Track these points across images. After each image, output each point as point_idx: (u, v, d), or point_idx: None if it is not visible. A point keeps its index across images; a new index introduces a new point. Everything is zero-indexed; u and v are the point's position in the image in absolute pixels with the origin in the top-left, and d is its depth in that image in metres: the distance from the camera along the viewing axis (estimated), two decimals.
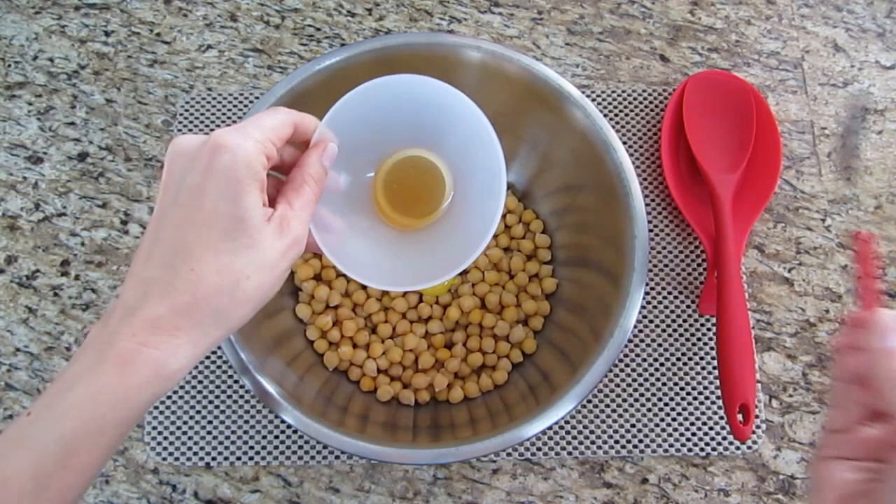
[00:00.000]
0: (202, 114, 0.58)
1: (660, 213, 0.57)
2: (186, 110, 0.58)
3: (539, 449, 0.50)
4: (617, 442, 0.50)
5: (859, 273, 0.30)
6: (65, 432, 0.27)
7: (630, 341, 0.53)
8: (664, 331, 0.53)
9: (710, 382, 0.52)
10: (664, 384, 0.52)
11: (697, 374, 0.52)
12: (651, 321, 0.53)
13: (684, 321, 0.53)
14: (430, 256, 0.39)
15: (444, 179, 0.38)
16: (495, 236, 0.54)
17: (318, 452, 0.49)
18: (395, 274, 0.38)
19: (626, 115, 0.59)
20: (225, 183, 0.29)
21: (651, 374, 0.52)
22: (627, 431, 0.50)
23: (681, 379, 0.52)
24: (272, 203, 0.33)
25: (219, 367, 0.51)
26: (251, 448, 0.49)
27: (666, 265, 0.55)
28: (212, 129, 0.57)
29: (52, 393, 0.28)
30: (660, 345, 0.53)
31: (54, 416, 0.28)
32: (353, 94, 0.35)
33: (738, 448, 0.50)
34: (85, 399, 0.28)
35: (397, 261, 0.39)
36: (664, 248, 0.56)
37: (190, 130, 0.58)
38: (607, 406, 0.51)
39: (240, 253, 0.29)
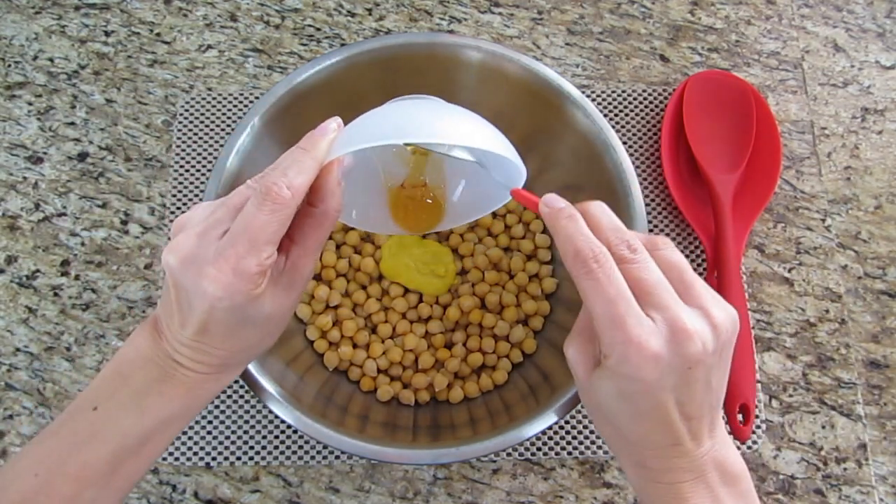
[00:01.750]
0: (202, 114, 0.58)
1: (660, 213, 0.57)
2: (186, 110, 0.58)
3: (539, 449, 0.50)
4: None
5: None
6: (143, 429, 0.32)
7: None
8: None
9: None
10: None
11: None
12: None
13: None
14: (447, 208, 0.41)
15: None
16: (495, 236, 0.54)
17: (318, 452, 0.49)
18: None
19: (626, 115, 0.59)
20: (227, 312, 0.31)
21: None
22: None
23: None
24: (283, 240, 0.32)
25: None
26: (251, 448, 0.49)
27: None
28: (212, 130, 0.57)
29: (121, 394, 0.32)
30: None
31: (132, 415, 0.32)
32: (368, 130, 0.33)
33: (738, 448, 0.50)
34: (159, 404, 0.33)
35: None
36: None
37: (190, 130, 0.58)
38: None
39: (257, 327, 0.33)
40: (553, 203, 0.33)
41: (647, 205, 0.56)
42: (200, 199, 0.54)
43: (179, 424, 0.34)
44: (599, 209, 0.33)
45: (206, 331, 0.32)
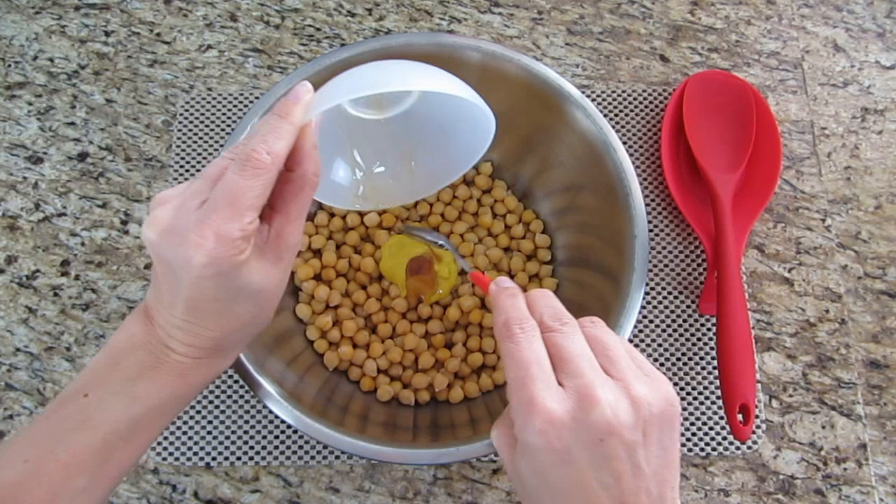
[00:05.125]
0: (202, 114, 0.58)
1: (660, 213, 0.57)
2: (186, 110, 0.58)
3: None
4: None
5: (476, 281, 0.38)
6: (132, 415, 0.31)
7: (630, 341, 0.52)
8: (664, 331, 0.53)
9: (710, 382, 0.52)
10: None
11: (697, 374, 0.52)
12: (651, 321, 0.53)
13: (684, 321, 0.53)
14: (401, 182, 0.42)
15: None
16: (495, 236, 0.54)
17: (318, 452, 0.49)
18: (382, 193, 0.41)
19: (626, 115, 0.59)
20: (215, 282, 0.30)
21: None
22: None
23: (681, 379, 0.52)
24: (265, 210, 0.32)
25: None
26: (251, 448, 0.49)
27: (666, 265, 0.55)
28: (212, 130, 0.57)
29: (111, 381, 0.32)
30: (660, 345, 0.53)
31: (122, 401, 0.31)
32: (342, 89, 0.33)
33: (738, 448, 0.50)
34: (150, 391, 0.32)
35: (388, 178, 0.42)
36: (664, 248, 0.56)
37: (190, 130, 0.58)
38: None
39: (248, 301, 0.32)
40: (502, 283, 0.34)
41: (647, 205, 0.56)
42: None
43: (171, 413, 0.33)
44: (541, 293, 0.34)
45: (197, 308, 0.31)
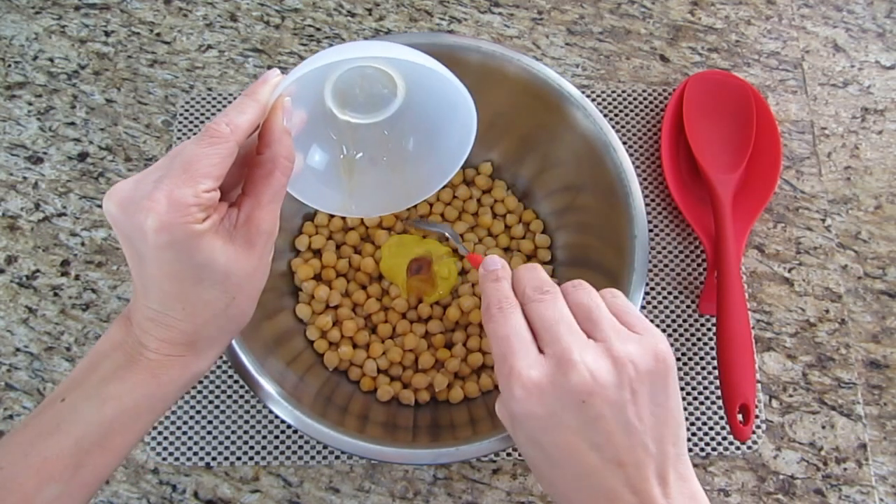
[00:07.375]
0: (202, 114, 0.58)
1: (660, 213, 0.57)
2: (186, 110, 0.58)
3: None
4: None
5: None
6: (104, 418, 0.30)
7: None
8: (664, 331, 0.53)
9: (710, 382, 0.52)
10: None
11: (697, 374, 0.52)
12: (651, 321, 0.53)
13: (684, 321, 0.53)
14: (394, 187, 0.41)
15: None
16: (495, 236, 0.54)
17: (318, 452, 0.49)
18: (365, 201, 0.41)
19: (626, 115, 0.59)
20: (173, 254, 0.29)
21: None
22: None
23: (681, 379, 0.52)
24: (235, 191, 0.32)
25: (219, 367, 0.51)
26: (251, 448, 0.49)
27: (666, 265, 0.55)
28: None
29: (87, 383, 0.31)
30: None
31: (94, 404, 0.30)
32: (317, 69, 0.34)
33: (738, 448, 0.50)
34: (123, 391, 0.31)
35: (368, 188, 0.41)
36: (664, 248, 0.56)
37: (190, 130, 0.58)
38: None
39: (216, 285, 0.31)
40: (489, 266, 0.34)
41: (647, 205, 0.56)
42: None
43: (146, 417, 0.32)
44: (527, 267, 0.34)
45: (163, 291, 0.30)
